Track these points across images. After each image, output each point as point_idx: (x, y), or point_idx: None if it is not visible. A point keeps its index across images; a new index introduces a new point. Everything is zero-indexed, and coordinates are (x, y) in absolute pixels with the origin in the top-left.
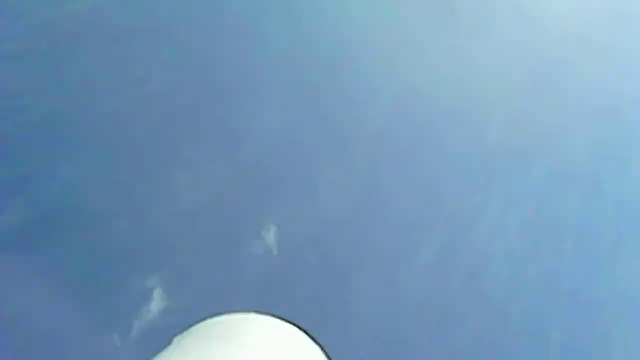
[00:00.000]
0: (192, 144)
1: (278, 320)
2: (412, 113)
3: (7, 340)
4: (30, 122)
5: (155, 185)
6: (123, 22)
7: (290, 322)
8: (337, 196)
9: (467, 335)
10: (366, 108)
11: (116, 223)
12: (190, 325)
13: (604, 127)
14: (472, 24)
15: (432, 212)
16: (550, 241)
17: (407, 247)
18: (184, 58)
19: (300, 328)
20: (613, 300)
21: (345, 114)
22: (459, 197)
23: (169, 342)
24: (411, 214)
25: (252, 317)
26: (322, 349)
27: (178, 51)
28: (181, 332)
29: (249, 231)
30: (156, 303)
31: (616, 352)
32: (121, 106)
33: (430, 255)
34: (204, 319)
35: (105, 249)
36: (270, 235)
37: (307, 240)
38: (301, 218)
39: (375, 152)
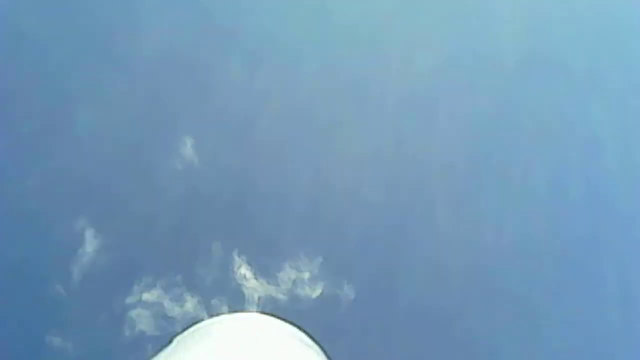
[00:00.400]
0: (86, 71)
1: (278, 321)
2: None
3: None
4: None
5: (56, 121)
6: None
7: (290, 323)
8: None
9: None
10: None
11: (26, 170)
12: (190, 325)
13: None
14: None
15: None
16: None
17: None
18: None
19: (300, 328)
20: None
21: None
22: None
23: (169, 342)
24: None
25: (253, 317)
26: (322, 349)
27: None
28: (181, 332)
29: (166, 150)
30: (90, 243)
31: None
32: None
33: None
34: (204, 319)
35: (22, 200)
36: (188, 149)
37: (226, 147)
38: (215, 126)
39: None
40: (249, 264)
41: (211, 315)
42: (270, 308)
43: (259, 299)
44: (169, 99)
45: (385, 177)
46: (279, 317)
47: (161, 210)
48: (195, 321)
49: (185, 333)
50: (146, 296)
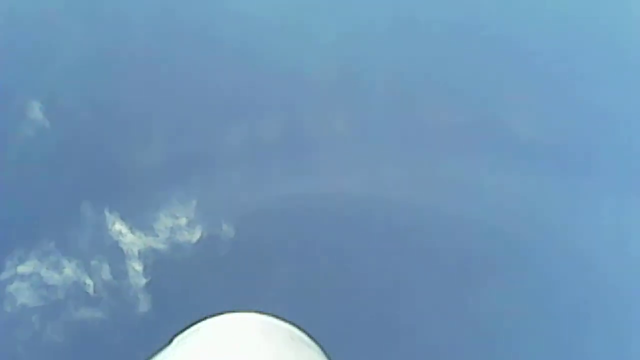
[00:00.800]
0: None
1: (278, 321)
2: None
3: None
4: None
5: None
6: None
7: (290, 322)
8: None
9: None
10: None
11: None
12: (190, 325)
13: None
14: None
15: None
16: None
17: None
18: None
19: (300, 328)
20: None
21: None
22: None
23: (169, 342)
24: None
25: (253, 317)
26: (322, 348)
27: None
28: (181, 332)
29: (14, 116)
30: None
31: None
32: None
33: None
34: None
35: None
36: (37, 113)
37: (76, 106)
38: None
39: None
40: (123, 219)
41: (212, 315)
42: (152, 260)
43: (139, 252)
44: (9, 63)
45: (235, 112)
46: (278, 317)
47: (20, 178)
48: (195, 321)
49: (185, 333)
50: (21, 269)
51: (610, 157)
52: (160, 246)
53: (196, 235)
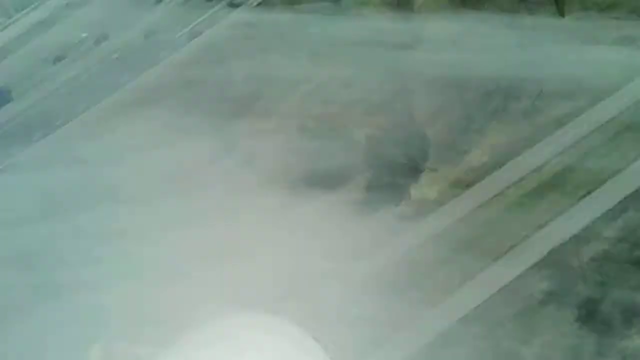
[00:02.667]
0: None
1: (279, 320)
2: None
3: None
4: None
5: None
6: None
7: (290, 323)
8: None
9: None
10: None
11: None
12: (191, 325)
13: None
14: None
15: None
16: None
17: None
18: None
19: (300, 328)
20: None
21: None
22: None
23: (170, 342)
24: None
25: (253, 316)
26: (322, 348)
27: None
28: (181, 332)
29: None
30: None
31: None
32: None
33: None
34: (203, 319)
35: None
36: None
37: None
38: None
39: None
40: None
41: (211, 316)
42: None
43: None
44: None
45: None
46: (279, 317)
47: None
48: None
49: (187, 333)
50: None
51: None
52: None
53: None
